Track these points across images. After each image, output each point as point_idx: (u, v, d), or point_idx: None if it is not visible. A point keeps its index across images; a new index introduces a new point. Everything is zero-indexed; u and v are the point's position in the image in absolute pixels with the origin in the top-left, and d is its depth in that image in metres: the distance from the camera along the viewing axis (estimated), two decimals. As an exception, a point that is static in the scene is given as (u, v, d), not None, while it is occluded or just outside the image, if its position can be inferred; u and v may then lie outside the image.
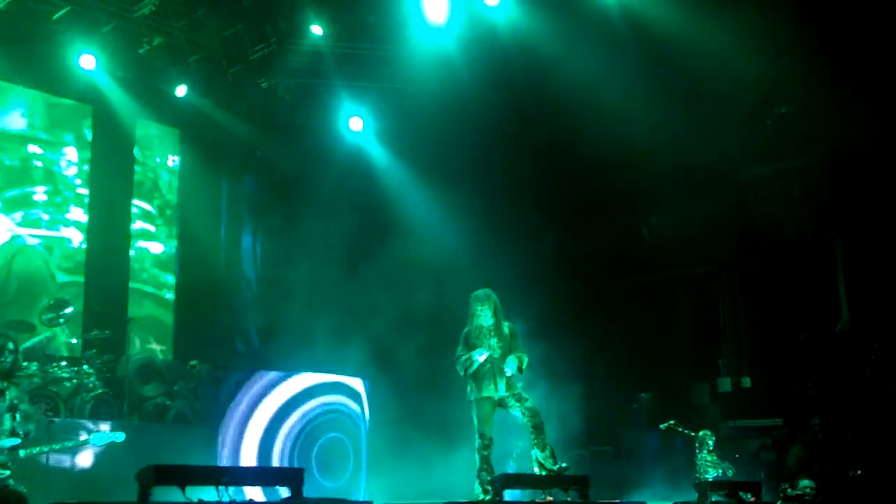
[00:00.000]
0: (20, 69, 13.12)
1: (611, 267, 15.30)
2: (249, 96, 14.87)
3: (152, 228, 14.91)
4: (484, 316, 8.59)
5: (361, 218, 14.86)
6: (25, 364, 10.25)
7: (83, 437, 8.32)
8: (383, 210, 14.93)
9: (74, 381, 10.88)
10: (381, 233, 14.74)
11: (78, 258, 13.82)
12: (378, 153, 15.55)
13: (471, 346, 8.55)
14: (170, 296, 14.89)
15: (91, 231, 13.99)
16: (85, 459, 9.82)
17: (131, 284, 14.39)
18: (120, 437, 8.27)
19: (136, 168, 14.82)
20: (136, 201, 14.72)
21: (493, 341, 8.55)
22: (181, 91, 14.25)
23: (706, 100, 12.71)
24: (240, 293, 15.36)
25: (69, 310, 11.65)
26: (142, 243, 14.76)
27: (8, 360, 7.72)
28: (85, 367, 11.20)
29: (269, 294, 15.00)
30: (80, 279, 13.74)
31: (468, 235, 13.81)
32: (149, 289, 14.71)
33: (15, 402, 7.62)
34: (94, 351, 11.66)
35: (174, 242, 15.08)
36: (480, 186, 14.44)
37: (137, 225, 14.74)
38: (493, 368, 8.52)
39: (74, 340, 12.63)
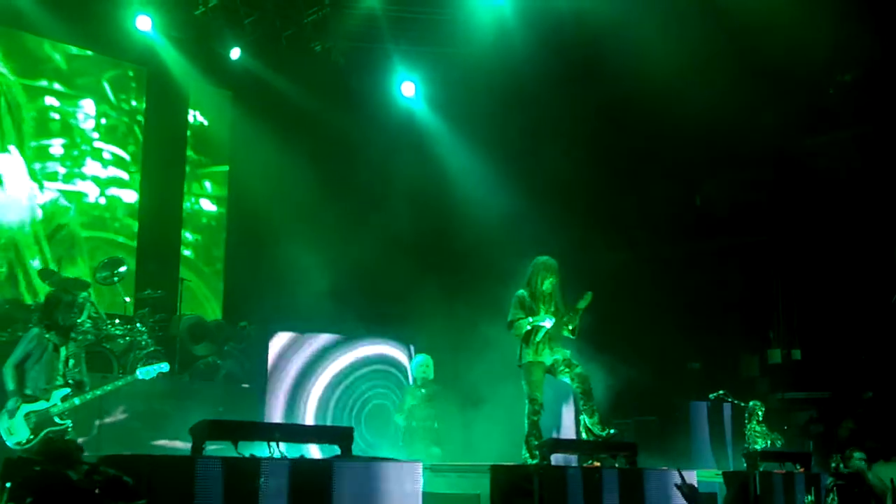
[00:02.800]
0: (76, 30, 13.23)
1: (662, 234, 15.12)
2: (303, 60, 14.81)
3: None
4: (549, 283, 8.54)
5: (412, 183, 14.82)
6: (80, 321, 10.44)
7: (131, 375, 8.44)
8: (434, 175, 14.89)
9: (128, 338, 11.05)
10: (431, 198, 14.72)
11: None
12: (430, 118, 15.48)
13: (528, 311, 8.50)
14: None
15: (144, 192, 14.15)
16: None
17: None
18: (165, 367, 8.47)
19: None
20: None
21: (551, 307, 8.53)
22: (235, 54, 14.29)
23: (765, 66, 12.45)
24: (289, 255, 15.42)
25: (123, 268, 11.77)
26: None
27: (77, 316, 7.86)
28: (138, 325, 11.38)
29: (318, 258, 15.05)
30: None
31: (518, 201, 13.71)
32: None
33: (72, 358, 7.79)
34: (146, 310, 11.84)
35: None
36: (532, 152, 14.32)
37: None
38: (546, 333, 8.49)
39: (128, 299, 12.85)
